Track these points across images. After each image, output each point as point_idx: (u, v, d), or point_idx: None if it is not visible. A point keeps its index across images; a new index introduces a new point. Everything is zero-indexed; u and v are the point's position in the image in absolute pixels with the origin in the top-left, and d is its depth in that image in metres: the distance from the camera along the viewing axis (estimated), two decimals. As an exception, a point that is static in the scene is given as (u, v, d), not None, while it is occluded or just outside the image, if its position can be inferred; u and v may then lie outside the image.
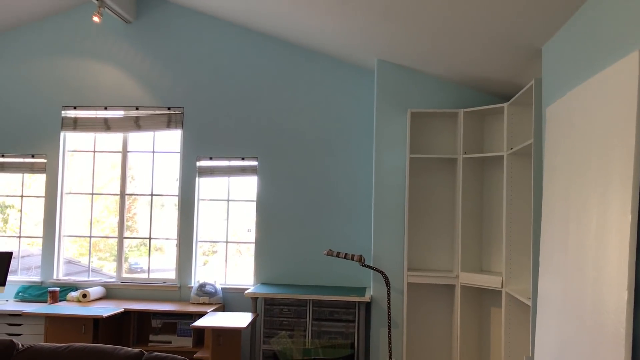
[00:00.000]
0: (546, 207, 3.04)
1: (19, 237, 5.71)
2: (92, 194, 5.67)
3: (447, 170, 4.74)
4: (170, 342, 5.01)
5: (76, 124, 5.61)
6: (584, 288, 2.38)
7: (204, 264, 5.55)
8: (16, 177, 5.73)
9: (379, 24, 4.05)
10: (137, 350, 2.65)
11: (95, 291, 5.25)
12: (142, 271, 5.62)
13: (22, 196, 5.71)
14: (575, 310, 2.46)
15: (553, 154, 2.98)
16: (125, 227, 5.60)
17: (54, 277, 5.53)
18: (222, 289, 5.31)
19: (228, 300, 5.32)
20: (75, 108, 5.61)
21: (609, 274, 2.13)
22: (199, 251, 5.52)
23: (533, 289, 3.37)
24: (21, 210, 5.71)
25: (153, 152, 5.63)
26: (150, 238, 5.59)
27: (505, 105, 4.14)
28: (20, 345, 2.75)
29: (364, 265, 4.51)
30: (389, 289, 4.50)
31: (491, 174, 4.58)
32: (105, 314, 4.56)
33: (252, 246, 5.40)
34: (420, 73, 4.77)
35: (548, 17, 3.02)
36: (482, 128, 4.64)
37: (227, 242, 5.50)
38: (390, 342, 4.50)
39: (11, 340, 2.76)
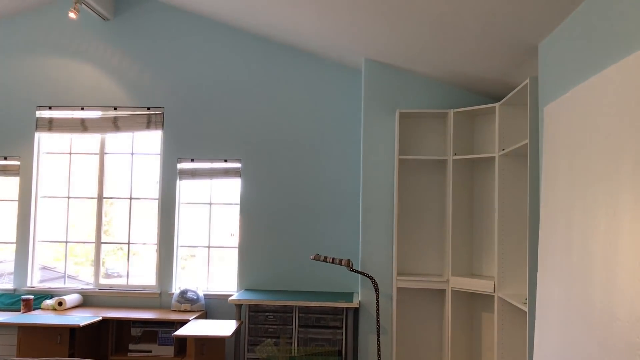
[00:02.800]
0: (545, 209, 2.94)
1: (-10, 242, 5.47)
2: (68, 197, 5.45)
3: (436, 172, 4.65)
4: (150, 352, 4.83)
5: (51, 125, 5.39)
6: (590, 293, 2.28)
7: (182, 268, 5.36)
8: (-13, 180, 5.49)
9: (366, 22, 3.93)
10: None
11: (71, 299, 5.04)
12: (119, 276, 5.41)
13: (-7, 200, 5.48)
14: (582, 316, 2.35)
15: (552, 155, 2.88)
16: (102, 231, 5.39)
17: (28, 284, 5.31)
18: (204, 295, 5.13)
19: (210, 307, 5.15)
20: (50, 108, 5.40)
21: (621, 279, 2.03)
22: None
23: (530, 294, 3.27)
24: (-7, 215, 5.47)
25: (132, 153, 5.44)
26: (129, 243, 5.39)
27: (496, 105, 4.06)
28: (-10, 361, 2.57)
29: (352, 270, 4.40)
30: (377, 294, 4.39)
31: (482, 176, 4.50)
32: (82, 323, 4.38)
33: (235, 251, 5.24)
34: (409, 73, 4.67)
35: (546, 12, 2.93)
36: (472, 129, 4.56)
37: (209, 246, 5.33)
38: (379, 349, 4.39)
39: (-20, 355, 2.58)
